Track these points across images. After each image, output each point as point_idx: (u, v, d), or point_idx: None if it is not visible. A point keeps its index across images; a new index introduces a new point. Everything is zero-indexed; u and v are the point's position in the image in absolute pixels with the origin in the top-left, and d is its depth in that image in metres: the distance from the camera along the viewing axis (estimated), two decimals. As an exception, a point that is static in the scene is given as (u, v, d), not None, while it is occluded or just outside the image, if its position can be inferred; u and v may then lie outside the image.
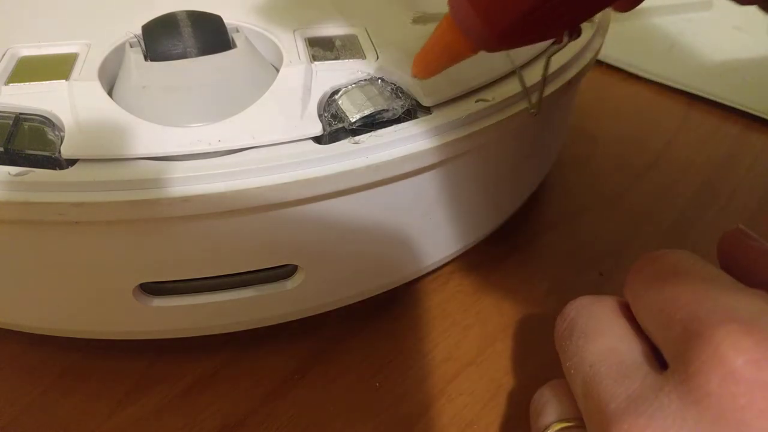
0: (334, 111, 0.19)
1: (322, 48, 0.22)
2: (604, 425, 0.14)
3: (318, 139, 0.19)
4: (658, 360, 0.15)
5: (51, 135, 0.18)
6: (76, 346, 0.24)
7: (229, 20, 0.21)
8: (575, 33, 0.15)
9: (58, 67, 0.20)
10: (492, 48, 0.16)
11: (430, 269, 0.27)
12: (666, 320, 0.15)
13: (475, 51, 0.16)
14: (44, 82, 0.19)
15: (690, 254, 0.17)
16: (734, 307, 0.14)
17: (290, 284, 0.22)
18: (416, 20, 0.23)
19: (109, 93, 0.19)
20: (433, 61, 0.18)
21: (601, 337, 0.16)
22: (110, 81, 0.20)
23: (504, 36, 0.15)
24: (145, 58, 0.19)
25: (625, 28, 0.48)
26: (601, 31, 0.28)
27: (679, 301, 0.14)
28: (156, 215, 0.18)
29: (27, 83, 0.19)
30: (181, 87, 0.19)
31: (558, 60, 0.23)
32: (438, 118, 0.20)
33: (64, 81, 0.19)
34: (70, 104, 0.18)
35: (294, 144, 0.19)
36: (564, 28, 0.15)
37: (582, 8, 0.14)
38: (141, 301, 0.21)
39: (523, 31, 0.14)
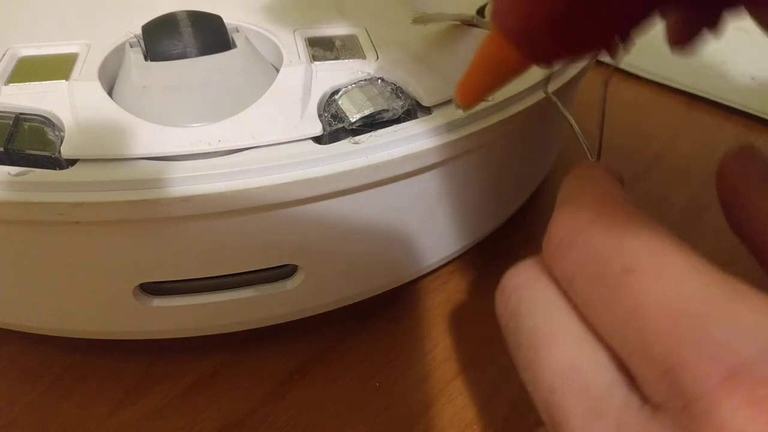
0: (334, 111, 0.19)
1: (322, 48, 0.22)
2: None
3: (318, 139, 0.19)
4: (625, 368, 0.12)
5: (51, 135, 0.18)
6: (76, 346, 0.24)
7: (229, 20, 0.21)
8: (627, 40, 0.13)
9: (58, 67, 0.20)
10: (541, 52, 0.14)
11: (430, 269, 0.27)
12: (635, 346, 0.11)
13: (523, 62, 0.14)
14: (44, 82, 0.19)
15: (623, 200, 0.13)
16: (731, 342, 0.10)
17: (290, 284, 0.22)
18: (416, 20, 0.23)
19: (109, 93, 0.19)
20: (476, 83, 0.16)
21: (556, 348, 0.13)
22: (110, 81, 0.20)
23: (553, 29, 0.13)
24: (145, 58, 0.19)
25: (625, 28, 0.47)
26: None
27: (650, 327, 0.11)
28: (156, 215, 0.18)
29: (27, 83, 0.19)
30: (181, 87, 0.19)
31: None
32: (438, 118, 0.20)
33: (64, 81, 0.19)
34: (70, 104, 0.18)
35: (294, 144, 0.19)
36: (617, 29, 0.13)
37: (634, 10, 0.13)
38: (141, 301, 0.21)
39: (570, 26, 0.13)
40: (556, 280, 0.13)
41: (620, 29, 0.13)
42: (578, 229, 0.13)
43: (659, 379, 0.10)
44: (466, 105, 0.17)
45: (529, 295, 0.14)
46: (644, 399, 0.11)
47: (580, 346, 0.12)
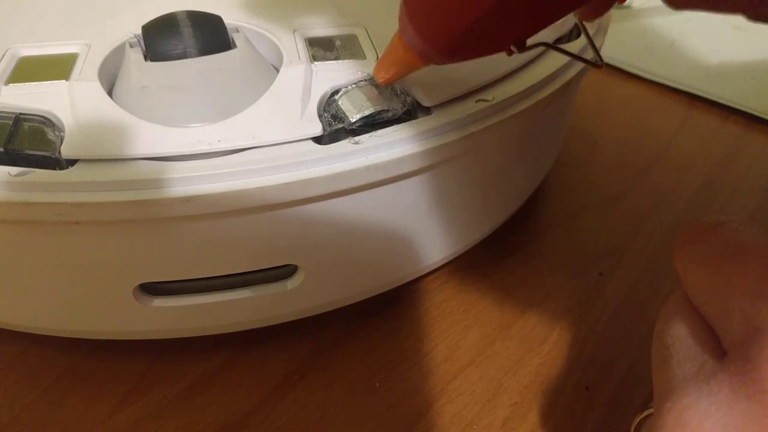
0: (334, 111, 0.19)
1: (322, 48, 0.22)
2: (658, 403, 0.14)
3: (318, 140, 0.19)
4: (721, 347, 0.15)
5: (51, 135, 0.18)
6: (76, 346, 0.24)
7: (229, 20, 0.21)
8: (521, 47, 0.16)
9: (58, 67, 0.20)
10: (437, 63, 0.17)
11: (431, 269, 0.27)
12: (724, 305, 0.14)
13: (424, 64, 0.17)
14: (44, 82, 0.19)
15: (749, 224, 0.16)
16: None
17: (290, 284, 0.22)
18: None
19: (109, 93, 0.19)
20: (390, 70, 0.19)
21: (681, 323, 0.16)
22: (110, 81, 0.20)
23: (444, 53, 0.16)
24: (145, 58, 0.19)
25: (625, 28, 0.48)
26: (601, 31, 0.28)
27: (739, 285, 0.14)
28: (156, 215, 0.18)
29: (27, 83, 0.19)
30: (181, 87, 0.19)
31: (557, 60, 0.23)
32: (438, 118, 0.20)
33: (64, 81, 0.19)
34: (70, 104, 0.18)
35: (294, 144, 0.19)
36: (508, 45, 0.15)
37: (520, 28, 0.15)
38: (141, 301, 0.21)
39: (462, 48, 0.15)
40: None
41: (514, 42, 0.15)
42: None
43: (738, 327, 0.13)
44: (381, 83, 0.20)
45: (679, 293, 0.17)
46: (720, 357, 0.14)
47: (700, 325, 0.15)
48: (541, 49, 0.23)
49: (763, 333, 0.13)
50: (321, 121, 0.19)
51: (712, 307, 0.15)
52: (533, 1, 0.13)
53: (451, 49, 0.15)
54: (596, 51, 0.20)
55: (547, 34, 0.24)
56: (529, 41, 0.16)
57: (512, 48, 0.15)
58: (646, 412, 0.17)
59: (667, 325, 0.16)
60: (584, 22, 0.22)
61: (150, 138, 0.18)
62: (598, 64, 0.19)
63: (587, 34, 0.20)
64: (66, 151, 0.17)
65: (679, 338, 0.16)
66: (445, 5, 0.14)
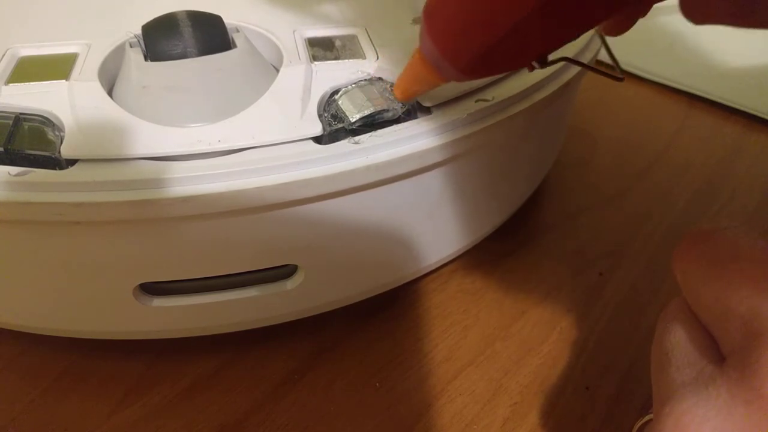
0: (334, 111, 0.19)
1: (322, 48, 0.22)
2: (657, 408, 0.15)
3: (318, 139, 0.19)
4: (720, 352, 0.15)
5: (51, 135, 0.18)
6: (76, 346, 0.24)
7: (229, 20, 0.21)
8: (543, 63, 0.16)
9: (58, 67, 0.20)
10: (459, 80, 0.17)
11: (431, 269, 0.27)
12: (723, 311, 0.14)
13: (445, 81, 0.17)
14: (44, 82, 0.19)
15: (748, 230, 0.16)
16: None
17: (290, 284, 0.22)
18: (416, 20, 0.23)
19: (109, 93, 0.19)
20: (410, 87, 0.19)
21: (680, 328, 0.16)
22: (110, 81, 0.20)
23: (467, 71, 0.15)
24: (145, 58, 0.19)
25: (625, 28, 0.47)
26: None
27: (738, 292, 0.14)
28: (156, 215, 0.18)
29: (27, 83, 0.19)
30: (181, 87, 0.19)
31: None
32: (438, 118, 0.20)
33: (64, 81, 0.19)
34: (70, 104, 0.18)
35: (294, 144, 0.19)
36: (529, 61, 0.16)
37: (542, 44, 0.15)
38: (141, 301, 0.21)
39: (485, 66, 0.15)
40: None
41: (536, 58, 0.15)
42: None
43: (737, 333, 0.14)
44: (403, 101, 0.19)
45: (679, 299, 0.17)
46: (718, 363, 0.14)
47: (699, 330, 0.16)
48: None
49: (762, 339, 0.13)
50: (321, 121, 0.19)
51: (710, 313, 0.15)
52: (556, 18, 0.13)
53: (474, 68, 0.15)
54: (617, 65, 0.20)
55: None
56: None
57: (534, 64, 0.16)
58: (646, 417, 0.17)
59: (666, 331, 0.16)
60: (605, 37, 0.22)
61: (150, 138, 0.18)
62: (618, 77, 0.19)
63: (609, 50, 0.20)
64: (66, 151, 0.17)
65: (678, 344, 0.16)
66: (469, 25, 0.14)
